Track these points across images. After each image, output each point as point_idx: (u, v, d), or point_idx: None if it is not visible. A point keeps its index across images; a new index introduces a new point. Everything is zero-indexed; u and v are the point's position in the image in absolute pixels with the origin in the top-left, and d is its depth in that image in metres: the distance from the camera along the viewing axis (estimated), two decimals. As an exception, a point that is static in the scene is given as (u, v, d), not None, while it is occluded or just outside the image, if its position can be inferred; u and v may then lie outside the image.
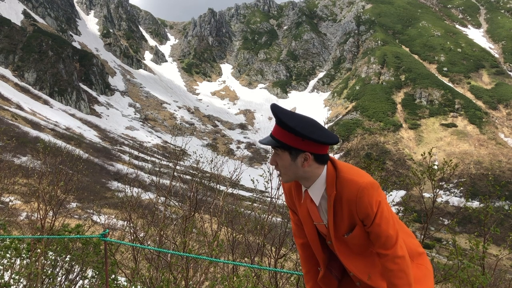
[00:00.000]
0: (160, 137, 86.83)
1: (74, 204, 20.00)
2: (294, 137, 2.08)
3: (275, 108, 2.12)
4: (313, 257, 2.42)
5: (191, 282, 5.06)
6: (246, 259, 5.44)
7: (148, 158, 55.54)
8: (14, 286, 5.56)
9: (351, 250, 2.22)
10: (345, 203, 2.10)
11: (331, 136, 2.13)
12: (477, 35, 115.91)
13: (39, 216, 6.18)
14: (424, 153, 4.93)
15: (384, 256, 2.08)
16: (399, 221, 2.27)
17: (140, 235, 6.01)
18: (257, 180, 6.26)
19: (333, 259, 2.38)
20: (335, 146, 77.16)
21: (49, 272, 5.97)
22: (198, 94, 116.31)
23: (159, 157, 54.93)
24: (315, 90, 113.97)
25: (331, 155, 2.60)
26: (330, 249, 2.33)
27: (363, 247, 2.20)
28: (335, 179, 2.13)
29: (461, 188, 63.41)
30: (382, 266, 2.11)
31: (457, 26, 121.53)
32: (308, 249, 2.42)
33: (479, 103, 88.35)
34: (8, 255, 5.63)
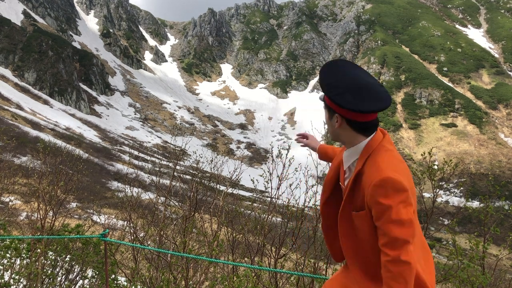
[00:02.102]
0: (160, 137, 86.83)
1: (74, 204, 20.00)
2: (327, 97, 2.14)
3: (323, 66, 2.16)
4: None
5: (191, 282, 5.06)
6: (246, 259, 5.44)
7: (148, 158, 55.54)
8: (14, 286, 5.56)
9: (355, 232, 2.16)
10: (363, 184, 2.05)
11: (366, 103, 2.01)
12: (477, 35, 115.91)
13: (39, 216, 6.18)
14: (424, 153, 4.93)
15: (386, 255, 1.97)
16: (421, 237, 2.18)
17: (140, 235, 6.01)
18: (257, 180, 6.26)
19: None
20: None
21: (49, 272, 5.97)
22: (198, 94, 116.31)
23: (159, 157, 54.93)
24: (315, 90, 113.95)
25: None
26: None
27: (365, 234, 2.11)
28: (368, 157, 2.07)
29: (461, 188, 63.41)
30: (382, 265, 2.00)
31: (457, 26, 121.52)
32: None
33: (479, 103, 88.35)
34: (8, 255, 5.63)
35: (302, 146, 2.96)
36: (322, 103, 2.37)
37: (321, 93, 2.21)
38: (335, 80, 2.07)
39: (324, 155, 2.78)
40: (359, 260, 2.21)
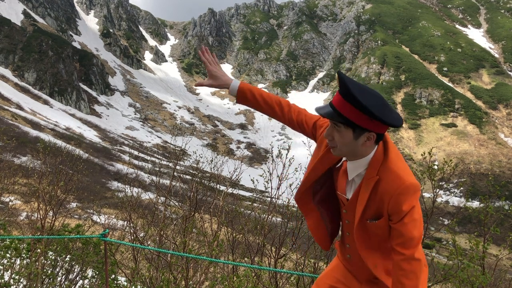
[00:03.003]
0: (160, 137, 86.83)
1: (74, 204, 19.99)
2: (362, 115, 1.89)
3: (343, 77, 1.90)
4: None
5: (191, 282, 5.06)
6: (246, 259, 5.44)
7: (148, 158, 55.54)
8: (14, 286, 5.56)
9: (369, 236, 2.15)
10: (380, 193, 2.00)
11: (398, 117, 1.95)
12: (477, 35, 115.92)
13: (39, 216, 6.18)
14: (424, 153, 4.93)
15: (400, 254, 1.99)
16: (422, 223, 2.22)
17: (140, 235, 6.01)
18: (257, 180, 6.26)
19: (328, 212, 2.33)
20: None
21: (49, 272, 5.97)
22: (198, 94, 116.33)
23: (159, 157, 54.90)
24: (315, 90, 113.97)
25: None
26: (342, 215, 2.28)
27: (382, 239, 2.13)
28: (380, 165, 2.01)
29: (461, 188, 63.42)
30: (395, 263, 2.03)
31: (457, 26, 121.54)
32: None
33: (479, 103, 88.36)
34: (8, 255, 5.63)
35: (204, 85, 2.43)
36: (311, 112, 2.27)
37: (324, 109, 1.97)
38: (371, 97, 1.90)
39: (243, 99, 2.39)
40: (384, 264, 2.20)
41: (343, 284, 2.35)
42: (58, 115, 72.87)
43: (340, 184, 2.18)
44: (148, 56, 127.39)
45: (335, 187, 2.24)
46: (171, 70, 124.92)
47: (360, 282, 2.30)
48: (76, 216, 18.88)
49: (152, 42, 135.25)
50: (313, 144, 2.44)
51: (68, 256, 6.12)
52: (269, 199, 5.65)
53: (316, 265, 4.89)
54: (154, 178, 6.41)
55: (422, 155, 5.11)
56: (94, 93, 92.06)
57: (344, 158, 2.14)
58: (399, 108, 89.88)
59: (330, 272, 2.43)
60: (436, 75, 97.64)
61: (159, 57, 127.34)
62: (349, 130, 1.95)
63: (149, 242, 6.07)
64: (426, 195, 4.47)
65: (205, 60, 2.44)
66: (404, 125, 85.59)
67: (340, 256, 2.41)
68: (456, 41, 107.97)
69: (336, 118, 1.93)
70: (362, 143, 1.97)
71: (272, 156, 5.63)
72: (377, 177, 2.00)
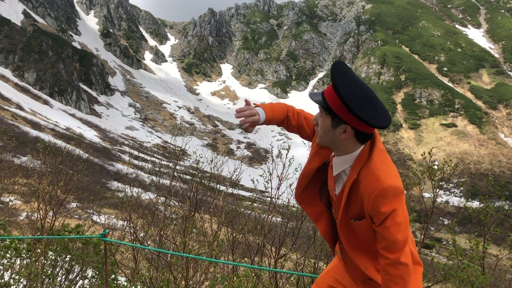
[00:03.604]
0: (160, 137, 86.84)
1: (74, 204, 19.99)
2: (340, 104, 1.94)
3: (336, 67, 1.96)
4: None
5: (191, 282, 5.06)
6: (246, 259, 5.44)
7: (148, 158, 55.54)
8: (14, 286, 5.56)
9: (355, 235, 2.15)
10: (360, 194, 2.00)
11: (382, 118, 1.95)
12: (477, 35, 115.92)
13: (39, 216, 6.18)
14: (424, 153, 4.93)
15: (386, 258, 1.97)
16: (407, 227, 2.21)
17: (140, 235, 6.01)
18: (257, 180, 6.26)
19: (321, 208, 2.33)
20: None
21: (49, 272, 5.97)
22: (198, 94, 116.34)
23: (159, 157, 54.91)
24: (315, 90, 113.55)
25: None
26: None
27: (369, 240, 2.12)
28: (362, 165, 2.01)
29: (461, 188, 63.43)
30: (381, 268, 2.01)
31: (457, 26, 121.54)
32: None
33: (479, 103, 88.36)
34: (8, 255, 5.63)
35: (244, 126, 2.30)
36: (312, 112, 2.27)
37: (315, 96, 2.04)
38: (357, 90, 1.93)
39: (273, 121, 2.43)
40: (374, 264, 2.19)
41: (341, 285, 2.35)
42: (58, 115, 72.88)
43: (329, 180, 2.21)
44: (148, 56, 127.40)
45: (315, 168, 2.26)
46: (171, 70, 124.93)
47: (357, 283, 2.29)
48: (76, 216, 18.88)
49: (152, 42, 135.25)
50: None
51: (68, 256, 6.12)
52: (269, 199, 5.65)
53: (316, 265, 4.89)
54: (154, 178, 6.41)
55: (422, 155, 5.11)
56: (94, 93, 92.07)
57: (332, 153, 2.16)
58: (399, 108, 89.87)
59: (329, 272, 2.44)
60: (436, 75, 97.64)
61: (159, 57, 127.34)
62: (328, 117, 2.01)
63: (149, 242, 6.07)
64: (426, 195, 4.47)
65: (251, 124, 2.31)
66: (404, 125, 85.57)
67: (338, 256, 2.42)
68: (456, 41, 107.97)
69: (321, 103, 2.02)
70: (339, 134, 2.01)
71: (272, 156, 5.63)
72: (355, 177, 2.01)
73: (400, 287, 1.96)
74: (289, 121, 2.44)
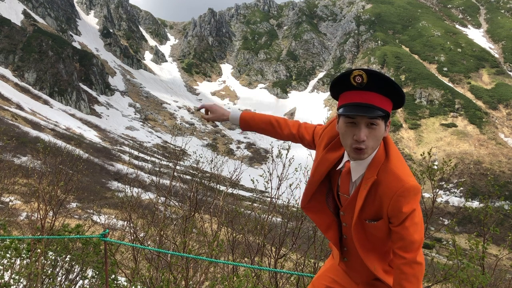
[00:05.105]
0: (160, 137, 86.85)
1: (74, 204, 19.99)
2: (389, 102, 1.92)
3: (375, 72, 1.88)
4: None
5: (191, 282, 5.06)
6: (246, 259, 5.44)
7: (148, 158, 55.56)
8: (14, 286, 5.56)
9: (367, 237, 2.14)
10: (380, 194, 1.97)
11: None
12: (477, 35, 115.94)
13: (39, 216, 6.18)
14: (424, 153, 4.93)
15: (402, 258, 1.97)
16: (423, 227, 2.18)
17: (140, 235, 6.01)
18: (257, 180, 6.26)
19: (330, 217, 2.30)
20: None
21: (49, 272, 5.97)
22: (198, 94, 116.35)
23: (159, 157, 54.88)
24: (315, 90, 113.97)
25: None
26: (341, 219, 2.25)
27: (380, 241, 2.11)
28: (380, 165, 1.97)
29: (461, 188, 63.44)
30: (395, 267, 2.01)
31: (457, 26, 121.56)
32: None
33: (479, 103, 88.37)
34: (8, 255, 5.63)
35: (207, 120, 2.56)
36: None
37: (367, 112, 1.86)
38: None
39: (247, 126, 2.50)
40: (383, 265, 2.20)
41: (339, 285, 2.35)
42: (58, 115, 72.89)
43: (343, 186, 2.14)
44: (148, 56, 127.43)
45: (334, 189, 2.20)
46: (171, 70, 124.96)
47: (357, 283, 2.29)
48: (76, 216, 18.87)
49: (152, 42, 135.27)
50: None
51: (68, 256, 6.13)
52: (269, 199, 5.65)
53: (316, 265, 4.89)
54: (154, 178, 6.41)
55: (421, 155, 5.11)
56: (94, 93, 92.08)
57: (346, 159, 2.09)
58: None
59: (325, 272, 2.43)
60: (436, 75, 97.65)
61: (159, 57, 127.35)
62: (382, 123, 1.92)
63: (149, 242, 6.07)
64: (426, 195, 4.47)
65: (211, 118, 2.57)
66: (404, 125, 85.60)
67: (335, 258, 2.39)
68: (456, 41, 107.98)
69: (379, 114, 1.88)
70: (386, 131, 1.97)
71: (272, 156, 5.63)
72: (375, 177, 1.98)
73: (413, 286, 1.98)
74: (284, 129, 2.44)
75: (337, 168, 2.14)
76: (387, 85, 1.88)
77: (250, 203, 6.23)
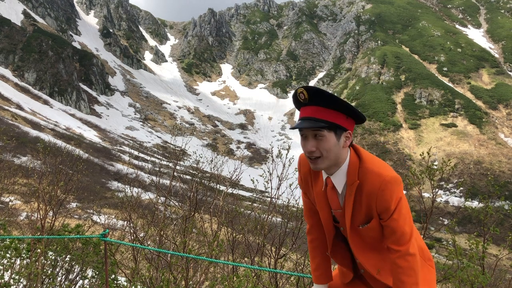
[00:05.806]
0: (160, 137, 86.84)
1: (74, 204, 19.98)
2: (338, 115, 2.00)
3: (312, 87, 2.02)
4: (322, 240, 2.35)
5: (191, 282, 5.06)
6: (246, 259, 5.44)
7: (148, 158, 55.56)
8: (14, 286, 5.56)
9: (365, 242, 2.18)
10: (365, 195, 2.04)
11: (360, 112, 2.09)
12: (477, 35, 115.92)
13: (39, 216, 6.18)
14: (423, 153, 4.92)
15: (396, 252, 2.03)
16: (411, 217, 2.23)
17: (140, 235, 6.01)
18: (257, 180, 6.26)
19: (342, 246, 2.32)
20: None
21: (49, 272, 5.97)
22: (198, 94, 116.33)
23: (159, 157, 54.89)
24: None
25: None
26: (343, 234, 2.27)
27: (377, 241, 2.15)
28: (357, 168, 2.05)
29: (461, 188, 63.44)
30: (392, 262, 2.06)
31: (457, 26, 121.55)
32: (317, 230, 2.36)
33: (479, 103, 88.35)
34: (8, 255, 5.63)
35: None
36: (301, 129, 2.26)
37: (307, 124, 1.99)
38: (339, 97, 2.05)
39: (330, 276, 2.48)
40: (386, 265, 2.21)
41: None
42: (58, 115, 72.88)
43: (333, 203, 2.18)
44: (148, 56, 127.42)
45: (329, 211, 2.22)
46: (171, 70, 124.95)
47: None
48: (76, 216, 18.87)
49: (152, 42, 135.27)
50: None
51: (68, 256, 6.12)
52: (269, 199, 5.65)
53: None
54: (154, 178, 6.41)
55: (421, 155, 5.11)
56: (94, 93, 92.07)
57: (325, 176, 2.14)
58: (399, 108, 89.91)
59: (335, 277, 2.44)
60: (436, 75, 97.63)
61: (159, 57, 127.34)
62: (331, 133, 2.01)
63: (149, 242, 6.07)
64: (425, 195, 4.47)
65: None
66: (404, 125, 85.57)
67: (345, 277, 2.37)
68: (456, 41, 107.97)
69: (320, 125, 1.98)
70: (342, 144, 2.03)
71: (272, 156, 5.63)
72: (358, 181, 2.05)
73: (412, 279, 2.02)
74: (323, 244, 2.39)
75: (321, 189, 2.20)
76: (326, 98, 1.98)
77: (250, 203, 6.23)
